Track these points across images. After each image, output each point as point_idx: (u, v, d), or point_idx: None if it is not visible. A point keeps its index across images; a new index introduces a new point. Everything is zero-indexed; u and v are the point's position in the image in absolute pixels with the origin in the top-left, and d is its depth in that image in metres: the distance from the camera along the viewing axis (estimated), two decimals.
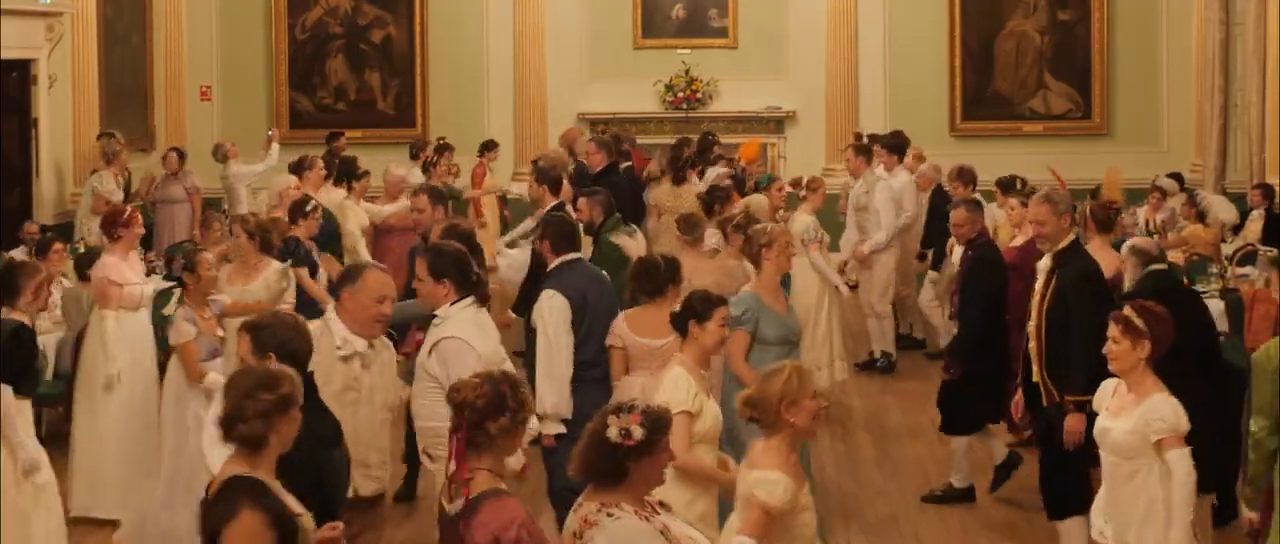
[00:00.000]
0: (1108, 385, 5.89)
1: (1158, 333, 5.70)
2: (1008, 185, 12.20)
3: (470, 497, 4.25)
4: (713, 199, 10.82)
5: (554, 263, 7.32)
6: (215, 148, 15.30)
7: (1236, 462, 7.60)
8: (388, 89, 18.08)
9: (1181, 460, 5.63)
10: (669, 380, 5.94)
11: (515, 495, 4.36)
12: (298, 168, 12.02)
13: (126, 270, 8.66)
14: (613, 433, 4.30)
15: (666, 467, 4.46)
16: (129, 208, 9.36)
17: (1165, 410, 5.62)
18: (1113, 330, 5.71)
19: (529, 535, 4.22)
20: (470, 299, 6.22)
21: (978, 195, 10.65)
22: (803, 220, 10.88)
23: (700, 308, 6.13)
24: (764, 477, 4.97)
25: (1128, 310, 5.75)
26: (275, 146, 15.25)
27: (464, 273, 6.27)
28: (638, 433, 4.30)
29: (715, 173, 13.02)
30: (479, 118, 17.24)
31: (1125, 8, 17.63)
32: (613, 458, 4.31)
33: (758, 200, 11.30)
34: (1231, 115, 16.46)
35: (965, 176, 12.29)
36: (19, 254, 11.89)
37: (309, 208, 10.04)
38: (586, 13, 17.89)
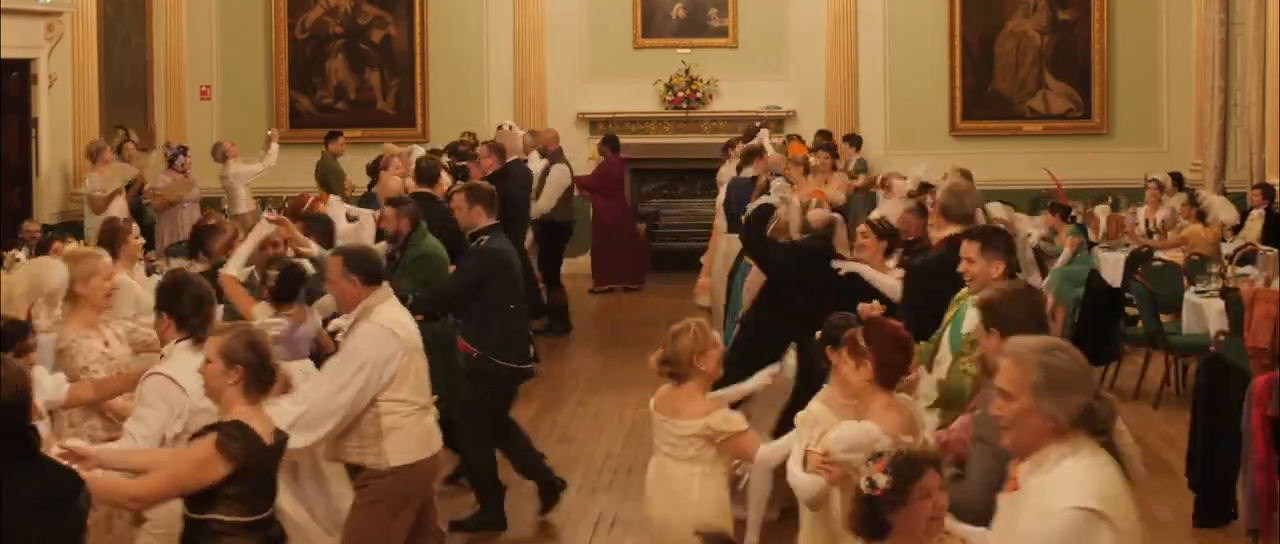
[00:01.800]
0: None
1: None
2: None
3: None
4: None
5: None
6: (215, 147, 15.33)
7: (1235, 461, 7.62)
8: (388, 89, 18.08)
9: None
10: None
11: None
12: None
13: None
14: (862, 484, 4.12)
15: (932, 515, 4.14)
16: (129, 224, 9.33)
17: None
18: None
19: None
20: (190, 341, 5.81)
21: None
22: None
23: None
24: (711, 419, 5.93)
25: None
26: (275, 146, 15.28)
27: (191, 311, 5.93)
28: (882, 481, 4.07)
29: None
30: (479, 117, 17.22)
31: (1125, 7, 17.62)
32: (870, 511, 4.09)
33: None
34: (1231, 115, 16.46)
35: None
36: (20, 255, 11.91)
37: None
38: (586, 12, 17.89)
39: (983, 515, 4.22)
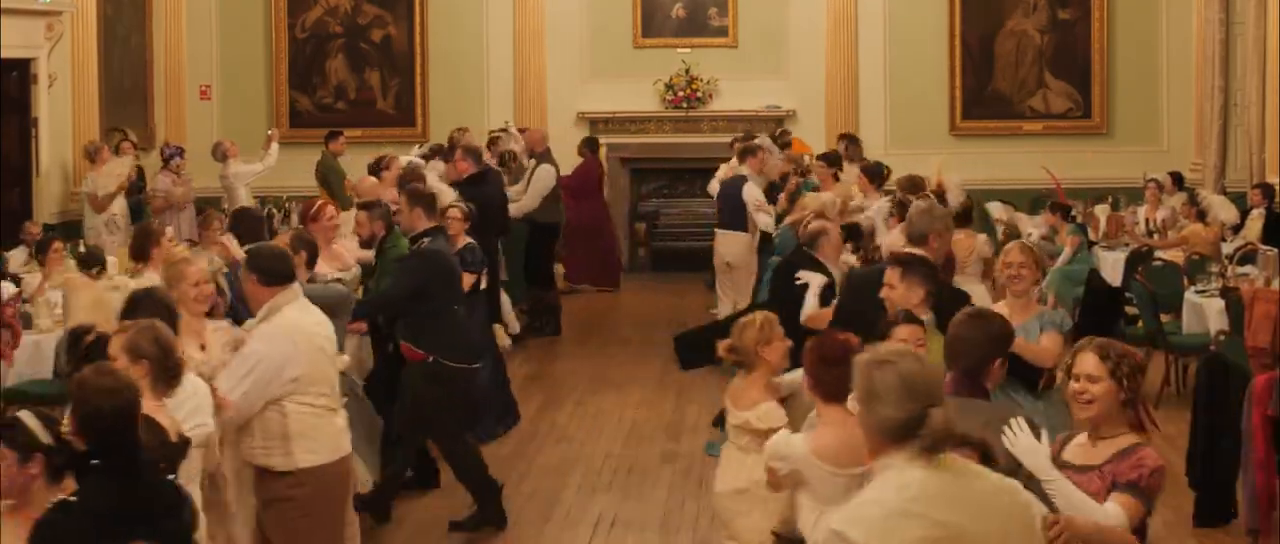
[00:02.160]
0: None
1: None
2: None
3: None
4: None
5: None
6: (215, 147, 15.33)
7: (1235, 460, 7.62)
8: (388, 88, 18.07)
9: None
10: None
11: None
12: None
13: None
14: None
15: None
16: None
17: None
18: None
19: None
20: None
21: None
22: None
23: None
24: (753, 413, 6.04)
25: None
26: (275, 146, 15.27)
27: None
28: None
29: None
30: (479, 117, 17.20)
31: (1125, 7, 17.62)
32: None
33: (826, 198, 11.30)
34: (1231, 115, 16.45)
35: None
36: (19, 254, 11.93)
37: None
38: (586, 12, 17.89)
39: None
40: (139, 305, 5.87)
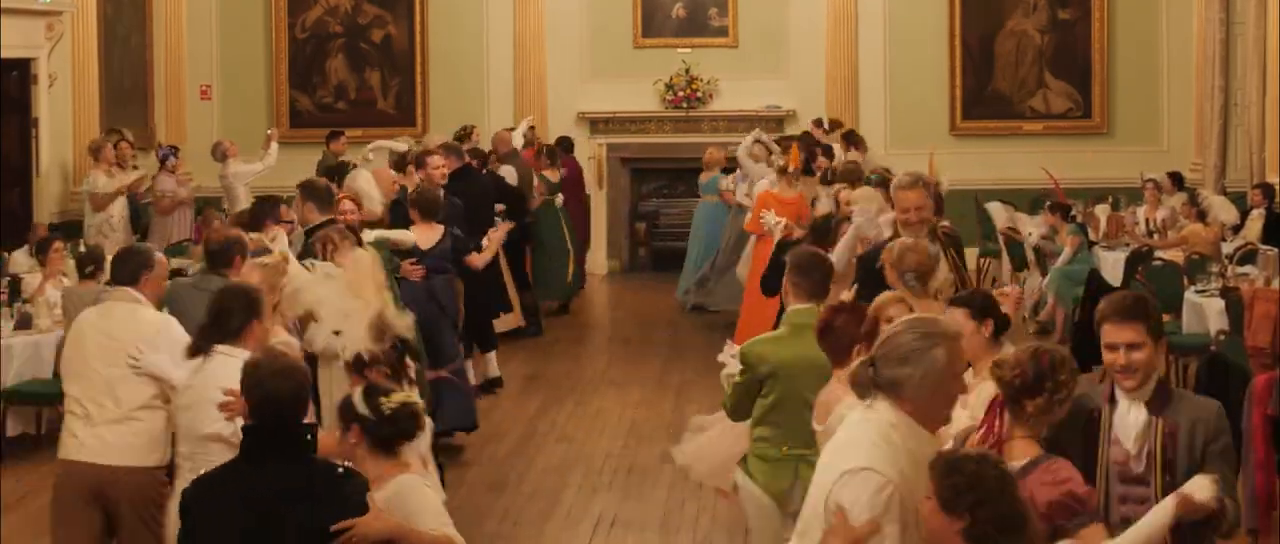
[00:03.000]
0: None
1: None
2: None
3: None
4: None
5: None
6: (214, 147, 15.32)
7: (1235, 460, 7.61)
8: (388, 88, 18.07)
9: None
10: None
11: None
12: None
13: None
14: None
15: None
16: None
17: None
18: None
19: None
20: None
21: None
22: None
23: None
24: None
25: None
26: (274, 145, 15.27)
27: None
28: None
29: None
30: (479, 117, 17.20)
31: (1125, 7, 17.62)
32: None
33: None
34: (1232, 115, 16.45)
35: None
36: (22, 255, 11.92)
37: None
38: (586, 12, 17.89)
39: None
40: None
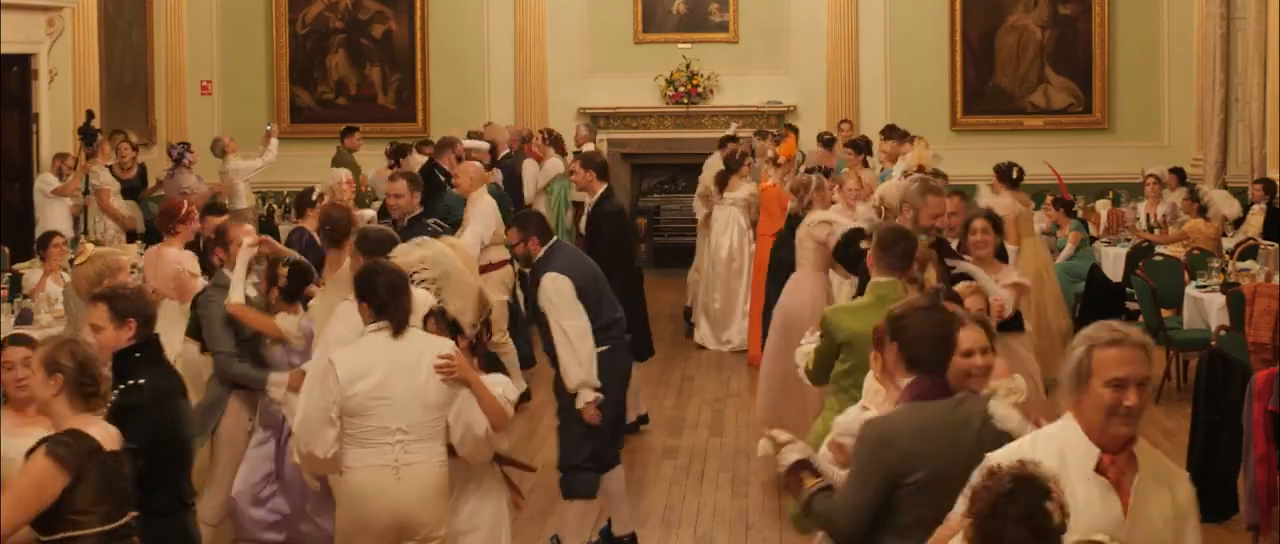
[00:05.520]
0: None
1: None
2: (1004, 172, 12.23)
3: None
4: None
5: (541, 251, 7.48)
6: (214, 142, 15.30)
7: (1236, 456, 7.61)
8: (388, 84, 18.07)
9: None
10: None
11: None
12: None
13: (189, 261, 8.72)
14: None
15: None
16: (186, 203, 9.29)
17: None
18: None
19: None
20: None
21: None
22: None
23: None
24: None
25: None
26: (274, 141, 15.25)
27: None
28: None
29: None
30: (480, 112, 17.21)
31: (1126, 2, 17.61)
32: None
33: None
34: (1232, 110, 16.45)
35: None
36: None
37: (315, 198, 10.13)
38: (587, 7, 17.88)
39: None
40: (375, 276, 5.93)
